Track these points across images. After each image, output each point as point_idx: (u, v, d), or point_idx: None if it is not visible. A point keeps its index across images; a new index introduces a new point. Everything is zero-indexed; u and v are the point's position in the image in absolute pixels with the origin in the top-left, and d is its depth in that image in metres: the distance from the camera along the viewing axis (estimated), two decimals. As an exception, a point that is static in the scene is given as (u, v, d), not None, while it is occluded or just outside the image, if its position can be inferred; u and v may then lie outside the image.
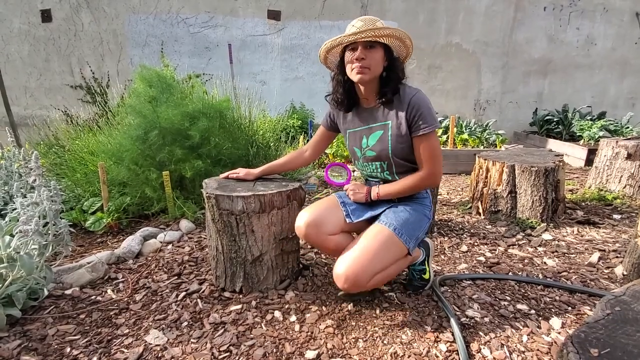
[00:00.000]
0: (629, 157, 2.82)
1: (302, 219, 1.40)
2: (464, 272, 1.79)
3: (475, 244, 2.12)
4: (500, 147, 4.27)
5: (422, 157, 1.37)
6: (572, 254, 1.98)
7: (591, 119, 5.07)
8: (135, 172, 2.33)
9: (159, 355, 1.23)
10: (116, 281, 1.71)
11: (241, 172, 1.70)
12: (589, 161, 3.92)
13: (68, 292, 1.60)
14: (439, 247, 2.08)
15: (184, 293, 1.59)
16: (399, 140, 1.38)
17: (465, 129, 4.66)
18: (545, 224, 2.30)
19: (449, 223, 2.43)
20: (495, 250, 2.04)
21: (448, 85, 5.75)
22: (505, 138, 4.62)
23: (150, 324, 1.40)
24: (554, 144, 4.68)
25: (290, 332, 1.34)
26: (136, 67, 3.53)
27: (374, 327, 1.37)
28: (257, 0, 5.16)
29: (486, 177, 2.50)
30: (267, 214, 1.50)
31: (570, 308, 1.48)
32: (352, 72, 1.33)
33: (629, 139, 3.08)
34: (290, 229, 1.60)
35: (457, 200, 2.93)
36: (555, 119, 5.29)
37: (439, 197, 2.98)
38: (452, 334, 1.31)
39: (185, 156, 2.37)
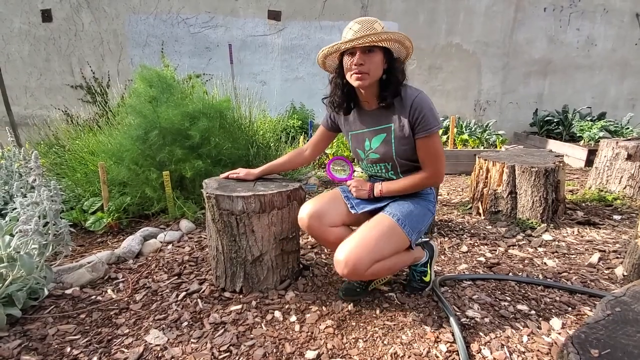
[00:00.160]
0: (629, 157, 2.82)
1: (305, 211, 1.42)
2: (464, 272, 1.79)
3: (476, 244, 2.12)
4: (501, 147, 4.27)
5: (425, 158, 1.38)
6: (572, 254, 1.98)
7: (591, 120, 5.07)
8: (135, 172, 2.33)
9: (159, 355, 1.23)
10: (116, 281, 1.71)
11: (241, 172, 1.70)
12: (589, 162, 3.92)
13: (68, 291, 1.60)
14: (439, 247, 2.08)
15: (184, 293, 1.59)
16: (402, 142, 1.38)
17: (466, 130, 4.66)
18: (545, 224, 2.30)
19: (449, 223, 2.43)
20: (496, 250, 2.04)
21: (448, 85, 5.75)
22: (506, 138, 4.62)
23: (151, 323, 1.40)
24: (554, 145, 4.68)
25: (291, 332, 1.34)
26: (136, 67, 3.53)
27: (374, 327, 1.37)
28: (257, 0, 5.16)
29: (486, 178, 2.50)
30: (267, 214, 1.50)
31: (570, 309, 1.48)
32: (352, 78, 1.31)
33: (629, 139, 3.08)
34: (291, 229, 1.60)
35: (458, 201, 2.93)
36: (555, 120, 5.29)
37: (439, 197, 2.98)
38: (452, 335, 1.31)
39: (186, 156, 2.37)
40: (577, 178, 3.61)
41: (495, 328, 1.36)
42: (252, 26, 5.25)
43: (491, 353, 1.23)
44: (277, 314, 1.45)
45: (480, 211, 2.54)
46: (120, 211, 2.28)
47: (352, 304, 1.50)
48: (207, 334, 1.33)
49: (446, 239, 2.19)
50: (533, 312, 1.46)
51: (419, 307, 1.50)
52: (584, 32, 5.69)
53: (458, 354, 1.21)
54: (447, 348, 1.25)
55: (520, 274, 1.77)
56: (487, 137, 4.58)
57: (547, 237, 2.18)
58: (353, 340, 1.30)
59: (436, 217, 2.50)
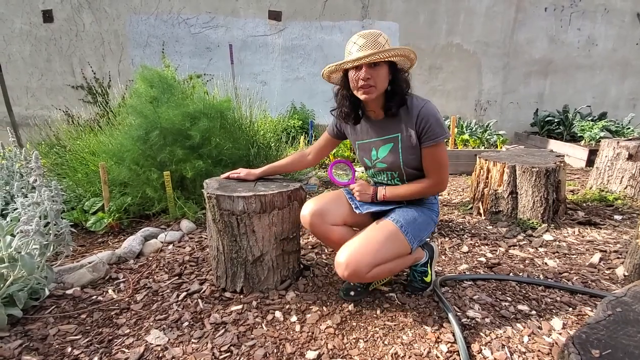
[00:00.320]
0: (630, 157, 2.82)
1: (307, 209, 1.44)
2: (464, 272, 1.79)
3: (476, 244, 2.12)
4: (501, 147, 4.27)
5: (430, 166, 1.39)
6: (573, 254, 1.98)
7: (592, 120, 5.07)
8: (136, 172, 2.33)
9: (160, 355, 1.23)
10: (117, 281, 1.71)
11: (242, 172, 1.70)
12: (590, 162, 3.91)
13: (69, 292, 1.60)
14: (439, 247, 2.08)
15: (184, 293, 1.59)
16: (409, 152, 1.40)
17: (466, 130, 4.66)
18: (546, 224, 2.30)
19: (450, 223, 2.43)
20: (496, 250, 2.04)
21: (449, 85, 5.75)
22: (506, 139, 4.62)
23: (151, 324, 1.40)
24: (555, 145, 4.68)
25: (291, 332, 1.34)
26: (137, 68, 3.53)
27: (375, 327, 1.37)
28: (258, 0, 5.17)
29: (487, 178, 2.50)
30: (268, 214, 1.50)
31: (571, 309, 1.48)
32: (359, 92, 1.33)
33: (630, 139, 3.07)
34: (291, 229, 1.60)
35: (458, 201, 2.93)
36: (556, 120, 5.29)
37: (439, 197, 2.98)
38: (453, 335, 1.31)
39: (186, 156, 2.38)
40: (578, 178, 3.60)
41: (496, 328, 1.36)
42: (253, 26, 5.25)
43: (492, 353, 1.23)
44: (278, 314, 1.45)
45: (481, 211, 2.54)
46: (121, 211, 2.28)
47: (352, 304, 1.50)
48: (208, 334, 1.33)
49: (447, 239, 2.19)
50: (534, 312, 1.45)
51: (419, 307, 1.50)
52: (584, 32, 5.68)
53: (459, 354, 1.21)
54: (448, 348, 1.25)
55: (521, 274, 1.77)
56: (488, 137, 4.57)
57: (547, 237, 2.18)
58: (354, 341, 1.30)
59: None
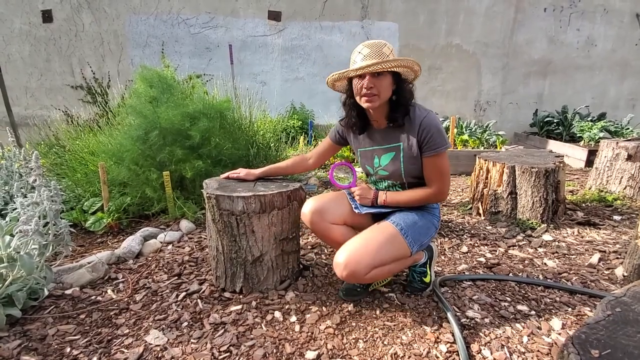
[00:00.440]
0: (629, 158, 2.82)
1: (308, 207, 1.46)
2: (464, 273, 1.79)
3: (476, 244, 2.12)
4: (501, 148, 4.27)
5: (431, 175, 1.41)
6: (572, 255, 1.98)
7: (591, 120, 5.07)
8: (135, 172, 2.33)
9: (159, 355, 1.23)
10: (116, 281, 1.71)
11: (242, 172, 1.70)
12: (589, 162, 3.92)
13: (68, 292, 1.60)
14: (439, 247, 2.08)
15: (184, 293, 1.59)
16: (411, 162, 1.41)
17: (466, 130, 4.66)
18: (545, 225, 2.30)
19: (450, 224, 2.43)
20: (496, 251, 2.04)
21: (448, 86, 5.76)
22: (506, 139, 4.62)
23: (151, 324, 1.40)
24: (554, 145, 4.68)
25: (291, 332, 1.34)
26: (137, 68, 3.53)
27: (374, 327, 1.37)
28: (257, 1, 5.17)
29: (486, 178, 2.50)
30: (267, 214, 1.50)
31: (570, 309, 1.48)
32: (362, 101, 1.34)
33: (629, 140, 3.08)
34: (291, 230, 1.60)
35: (458, 201, 2.93)
36: (555, 120, 5.29)
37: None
38: (453, 335, 1.31)
39: (186, 156, 2.37)
40: (577, 178, 3.61)
41: (495, 328, 1.36)
42: (252, 27, 5.25)
43: (491, 353, 1.23)
44: (277, 314, 1.45)
45: (481, 211, 2.54)
46: (120, 211, 2.28)
47: (352, 305, 1.50)
48: (207, 334, 1.33)
49: (446, 239, 2.19)
50: (533, 312, 1.46)
51: (419, 307, 1.50)
52: (584, 32, 5.69)
53: (458, 355, 1.21)
54: (447, 348, 1.25)
55: (520, 274, 1.77)
56: (487, 137, 4.58)
57: (547, 237, 2.18)
58: (353, 341, 1.30)
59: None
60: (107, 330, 1.36)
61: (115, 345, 1.28)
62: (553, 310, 1.47)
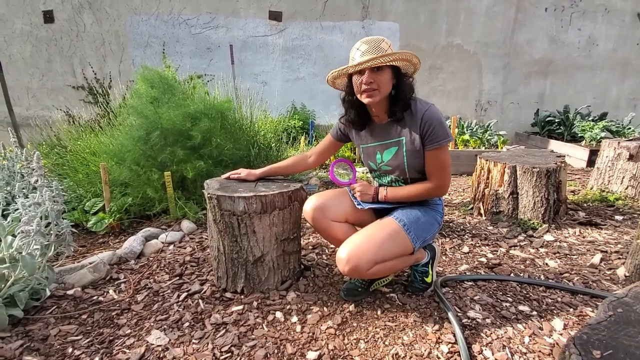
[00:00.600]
0: (631, 158, 2.81)
1: (310, 204, 1.47)
2: (465, 273, 1.79)
3: (477, 245, 2.12)
4: (502, 147, 4.26)
5: (432, 169, 1.40)
6: (573, 255, 1.98)
7: (593, 120, 5.06)
8: (137, 172, 2.33)
9: (161, 355, 1.24)
10: (118, 281, 1.72)
11: (243, 172, 1.70)
12: (591, 162, 3.91)
13: (70, 292, 1.60)
14: (440, 247, 2.08)
15: (185, 293, 1.59)
16: (414, 156, 1.40)
17: (467, 130, 4.66)
18: (547, 225, 2.30)
19: (451, 224, 2.43)
20: (497, 251, 2.04)
21: (449, 86, 5.75)
22: (507, 139, 4.61)
23: (152, 324, 1.40)
24: (555, 145, 4.68)
25: (292, 333, 1.34)
26: (138, 68, 3.54)
27: (376, 328, 1.37)
28: (258, 1, 5.17)
29: (488, 178, 2.50)
30: (268, 214, 1.50)
31: (572, 309, 1.48)
32: (362, 96, 1.35)
33: (631, 140, 3.07)
34: (292, 230, 1.61)
35: (459, 201, 2.92)
36: (556, 120, 5.28)
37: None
38: (454, 335, 1.30)
39: (187, 157, 2.38)
40: (579, 178, 3.60)
41: (496, 329, 1.35)
42: (253, 27, 5.25)
43: (493, 354, 1.23)
44: (279, 314, 1.45)
45: (482, 212, 2.54)
46: (121, 212, 2.29)
47: (353, 305, 1.50)
48: (209, 335, 1.33)
49: (447, 239, 2.19)
50: (535, 312, 1.45)
51: (420, 307, 1.49)
52: (585, 32, 5.68)
53: (459, 355, 1.21)
54: (449, 349, 1.25)
55: (521, 274, 1.77)
56: (489, 137, 4.57)
57: (548, 237, 2.18)
58: (354, 341, 1.30)
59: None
60: (109, 330, 1.37)
61: (117, 345, 1.29)
62: (555, 311, 1.47)
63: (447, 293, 1.60)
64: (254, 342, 1.29)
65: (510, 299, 1.55)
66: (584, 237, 2.20)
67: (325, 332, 1.34)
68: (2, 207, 2.14)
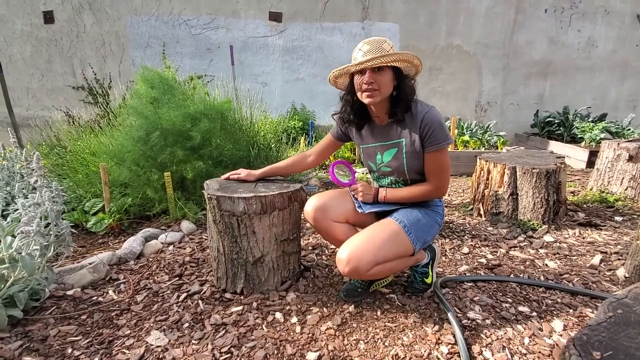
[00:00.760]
0: (631, 159, 2.82)
1: (311, 204, 1.47)
2: (465, 274, 1.79)
3: (477, 245, 2.12)
4: (502, 148, 4.27)
5: (431, 171, 1.41)
6: (573, 256, 1.98)
7: (592, 121, 5.07)
8: (136, 173, 2.33)
9: (160, 356, 1.23)
10: (117, 282, 1.71)
11: (242, 172, 1.70)
12: (591, 163, 3.91)
13: (69, 292, 1.60)
14: (440, 248, 2.08)
15: (185, 294, 1.59)
16: (413, 157, 1.41)
17: (466, 131, 4.66)
18: (546, 225, 2.30)
19: (450, 225, 2.43)
20: (497, 252, 2.04)
21: (449, 87, 5.75)
22: (507, 140, 4.62)
23: (152, 325, 1.40)
24: (555, 146, 4.68)
25: (292, 333, 1.34)
26: (138, 69, 3.54)
27: (375, 328, 1.37)
28: (258, 2, 5.17)
29: (487, 179, 2.50)
30: (268, 215, 1.50)
31: (572, 310, 1.48)
32: (363, 96, 1.35)
33: (631, 141, 3.07)
34: (292, 230, 1.61)
35: (459, 202, 2.93)
36: (556, 121, 5.29)
37: (440, 198, 2.97)
38: (454, 336, 1.30)
39: (187, 157, 2.38)
40: (579, 179, 3.60)
41: (496, 330, 1.35)
42: (253, 27, 5.26)
43: (492, 355, 1.23)
44: (278, 315, 1.45)
45: (482, 212, 2.54)
46: (121, 212, 2.28)
47: (353, 306, 1.50)
48: (208, 335, 1.33)
49: (447, 240, 2.19)
50: (534, 313, 1.45)
51: (420, 308, 1.49)
52: (584, 33, 5.69)
53: (459, 356, 1.21)
54: (448, 350, 1.25)
55: (521, 275, 1.77)
56: (488, 138, 4.58)
57: (548, 238, 2.18)
58: (354, 342, 1.30)
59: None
60: (109, 331, 1.36)
61: (116, 346, 1.28)
62: (554, 312, 1.47)
63: (447, 294, 1.60)
64: (253, 343, 1.29)
65: (510, 300, 1.55)
66: (583, 238, 2.20)
67: (325, 333, 1.34)
68: (2, 207, 2.14)
